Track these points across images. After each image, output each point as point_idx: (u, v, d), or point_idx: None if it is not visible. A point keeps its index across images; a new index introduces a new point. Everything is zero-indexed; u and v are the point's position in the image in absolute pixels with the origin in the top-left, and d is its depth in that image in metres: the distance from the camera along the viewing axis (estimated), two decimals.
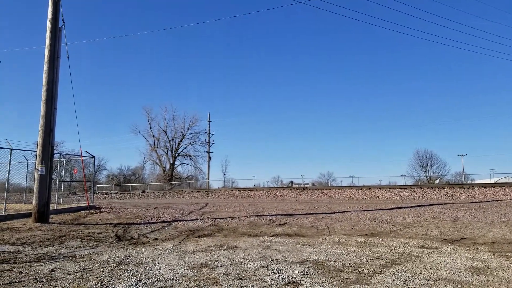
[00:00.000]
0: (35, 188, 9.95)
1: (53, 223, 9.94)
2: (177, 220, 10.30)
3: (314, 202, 17.27)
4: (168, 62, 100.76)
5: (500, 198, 16.79)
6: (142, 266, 4.61)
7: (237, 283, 3.73)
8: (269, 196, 24.34)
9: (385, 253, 5.26)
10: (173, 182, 54.03)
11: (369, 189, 23.49)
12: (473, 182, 41.62)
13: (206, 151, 56.23)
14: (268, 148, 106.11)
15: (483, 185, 22.48)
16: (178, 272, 4.25)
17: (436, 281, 3.75)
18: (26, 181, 17.06)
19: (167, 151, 60.61)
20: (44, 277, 4.11)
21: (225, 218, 10.61)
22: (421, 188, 22.98)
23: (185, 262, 4.79)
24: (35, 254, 5.55)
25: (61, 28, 10.69)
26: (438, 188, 21.74)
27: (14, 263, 4.93)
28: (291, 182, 53.79)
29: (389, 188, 23.48)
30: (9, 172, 11.93)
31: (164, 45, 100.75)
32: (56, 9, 10.54)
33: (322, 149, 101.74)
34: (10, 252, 5.79)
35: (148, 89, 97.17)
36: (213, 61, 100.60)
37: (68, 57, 10.90)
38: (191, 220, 10.23)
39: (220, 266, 4.51)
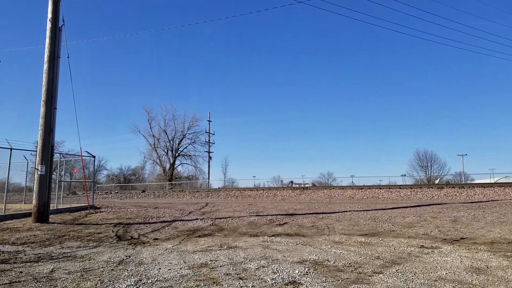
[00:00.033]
0: (35, 188, 9.95)
1: (53, 223, 9.94)
2: (177, 220, 10.30)
3: (314, 202, 17.27)
4: (168, 62, 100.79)
5: (499, 198, 16.80)
6: (142, 266, 4.61)
7: (237, 283, 3.73)
8: (269, 196, 24.34)
9: (385, 253, 5.26)
10: (173, 182, 54.05)
11: (369, 189, 23.50)
12: (473, 182, 41.64)
13: (206, 151, 56.27)
14: (268, 148, 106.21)
15: (483, 185, 22.50)
16: (178, 272, 4.25)
17: (436, 280, 3.76)
18: (26, 181, 17.08)
19: (167, 151, 60.68)
20: (44, 277, 4.11)
21: (225, 218, 10.61)
22: (421, 188, 22.99)
23: (185, 262, 4.79)
24: (35, 254, 5.55)
25: (61, 27, 10.69)
26: (438, 188, 21.75)
27: (14, 263, 4.93)
28: (291, 182, 53.83)
29: (389, 188, 23.49)
30: (9, 172, 11.93)
31: (164, 44, 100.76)
32: (56, 9, 10.54)
33: (322, 149, 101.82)
34: (10, 252, 5.79)
35: (148, 89, 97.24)
36: (213, 61, 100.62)
37: (68, 57, 10.91)
38: (191, 220, 10.23)
39: (220, 266, 4.52)
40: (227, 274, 4.11)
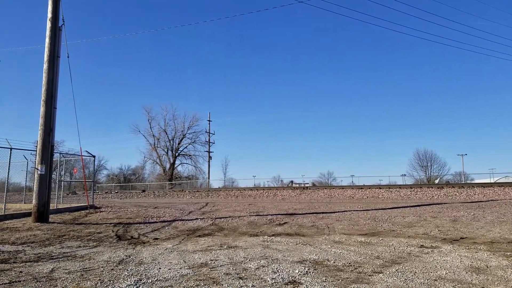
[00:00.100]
0: (35, 188, 9.94)
1: (53, 222, 9.94)
2: (177, 220, 10.31)
3: (314, 202, 17.28)
4: (168, 62, 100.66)
5: (499, 197, 16.80)
6: (142, 265, 4.61)
7: (237, 282, 3.73)
8: (269, 196, 24.34)
9: (385, 252, 5.26)
10: (173, 182, 54.06)
11: (369, 188, 23.51)
12: (472, 181, 41.65)
13: (206, 151, 56.23)
14: (268, 148, 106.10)
15: (483, 185, 22.50)
16: (178, 271, 4.25)
17: (435, 280, 3.76)
18: (26, 180, 17.07)
19: (167, 150, 60.68)
20: (44, 276, 4.11)
21: (225, 217, 10.61)
22: (421, 187, 23.00)
23: (185, 262, 4.79)
24: (35, 254, 5.55)
25: (61, 27, 10.68)
26: (438, 188, 21.75)
27: (14, 262, 4.93)
28: (291, 181, 53.84)
29: (389, 188, 23.50)
30: (8, 172, 11.94)
31: (164, 44, 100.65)
32: (56, 8, 10.53)
33: (322, 149, 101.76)
34: (10, 251, 5.80)
35: (148, 88, 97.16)
36: (213, 60, 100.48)
37: (68, 57, 10.91)
38: (191, 220, 10.23)
39: (220, 266, 4.52)
40: (227, 273, 4.12)
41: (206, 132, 56.75)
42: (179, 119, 61.02)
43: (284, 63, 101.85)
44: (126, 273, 4.19)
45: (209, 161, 54.64)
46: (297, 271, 4.19)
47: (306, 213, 11.36)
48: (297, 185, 43.18)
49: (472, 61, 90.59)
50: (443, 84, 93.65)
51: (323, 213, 11.35)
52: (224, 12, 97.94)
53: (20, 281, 3.93)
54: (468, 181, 44.62)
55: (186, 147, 60.75)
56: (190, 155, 60.36)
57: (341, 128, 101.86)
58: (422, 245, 5.78)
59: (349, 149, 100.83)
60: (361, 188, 24.02)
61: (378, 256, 5.01)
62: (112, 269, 4.41)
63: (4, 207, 11.38)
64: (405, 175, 53.05)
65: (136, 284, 3.73)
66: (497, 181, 36.72)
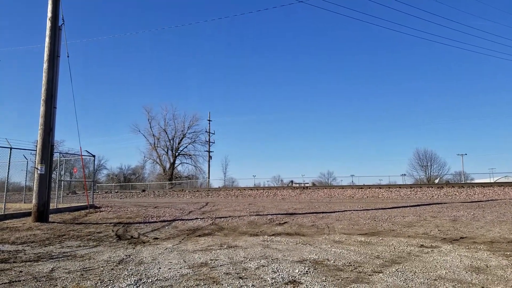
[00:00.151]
0: (35, 187, 9.94)
1: (53, 222, 9.94)
2: (177, 219, 10.31)
3: (314, 202, 17.28)
4: (168, 61, 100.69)
5: (499, 197, 16.80)
6: (142, 265, 4.61)
7: (237, 282, 3.74)
8: (269, 196, 24.34)
9: (385, 252, 5.26)
10: (173, 181, 54.06)
11: (369, 188, 23.51)
12: (472, 181, 41.67)
13: (206, 151, 56.22)
14: (268, 147, 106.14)
15: (483, 185, 22.51)
16: (178, 271, 4.25)
17: (435, 280, 3.76)
18: (25, 180, 17.05)
19: (167, 150, 60.71)
20: (44, 276, 4.11)
21: (226, 217, 10.61)
22: (420, 187, 23.00)
23: (185, 261, 4.79)
24: (34, 254, 5.55)
25: (60, 26, 10.68)
26: (438, 188, 21.75)
27: (14, 262, 4.93)
28: (292, 181, 53.89)
29: (389, 188, 23.50)
30: (8, 171, 11.94)
31: (164, 44, 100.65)
32: (56, 8, 10.52)
33: (322, 149, 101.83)
34: (10, 251, 5.80)
35: (148, 88, 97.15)
36: (213, 60, 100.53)
37: (68, 56, 10.90)
38: (191, 219, 10.23)
39: (220, 265, 4.52)
40: (227, 273, 4.12)
41: (206, 131, 56.79)
42: (179, 118, 61.16)
43: (284, 63, 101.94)
44: (126, 273, 4.19)
45: (209, 161, 54.67)
46: (297, 270, 4.20)
47: (306, 213, 11.36)
48: (297, 185, 43.19)
49: (472, 61, 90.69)
50: (443, 84, 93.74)
51: (323, 212, 11.35)
52: (224, 12, 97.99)
53: (20, 280, 3.93)
54: (468, 181, 44.64)
55: (186, 147, 60.85)
56: (190, 155, 60.45)
57: (341, 128, 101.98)
58: (422, 245, 5.79)
59: (349, 149, 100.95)
60: (361, 188, 24.02)
61: (378, 255, 5.01)
62: (112, 269, 4.41)
63: (4, 206, 11.38)
64: (405, 175, 53.20)
65: (136, 284, 3.73)
66: (497, 181, 36.74)
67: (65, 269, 4.45)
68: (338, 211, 11.59)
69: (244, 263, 4.65)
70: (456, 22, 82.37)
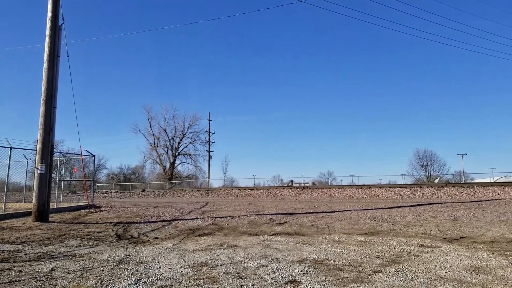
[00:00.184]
0: (35, 187, 9.94)
1: (53, 222, 9.94)
2: (177, 219, 10.31)
3: (314, 201, 17.28)
4: (168, 61, 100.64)
5: (499, 197, 16.80)
6: (142, 265, 4.61)
7: (237, 282, 3.74)
8: (269, 195, 24.35)
9: (384, 252, 5.26)
10: (173, 181, 54.05)
11: (369, 188, 23.51)
12: (472, 181, 41.66)
13: (206, 150, 56.23)
14: (268, 147, 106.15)
15: (483, 184, 22.51)
16: (178, 271, 4.26)
17: (435, 279, 3.76)
18: (25, 180, 17.05)
19: (167, 150, 60.70)
20: (44, 276, 4.11)
21: (225, 217, 10.61)
22: (420, 187, 23.00)
23: (185, 261, 4.79)
24: (35, 253, 5.55)
25: (60, 26, 10.67)
26: (438, 187, 21.75)
27: (14, 262, 4.93)
28: (291, 181, 53.88)
29: (389, 187, 23.50)
30: (8, 171, 11.94)
31: (164, 44, 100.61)
32: (56, 7, 10.52)
33: (322, 148, 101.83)
34: (10, 251, 5.80)
35: (148, 88, 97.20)
36: (213, 60, 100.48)
37: (68, 56, 10.90)
38: (191, 219, 10.24)
39: (220, 265, 4.52)
40: (227, 273, 4.12)
41: (206, 131, 56.80)
42: (179, 118, 61.12)
43: (284, 63, 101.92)
44: (126, 273, 4.19)
45: (209, 161, 54.67)
46: (297, 270, 4.20)
47: (306, 213, 11.36)
48: (297, 185, 43.20)
49: (472, 61, 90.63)
50: (443, 84, 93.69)
51: (323, 212, 11.36)
52: (224, 11, 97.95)
53: (20, 280, 3.93)
54: (468, 181, 44.64)
55: (186, 147, 60.84)
56: (190, 155, 60.45)
57: (341, 128, 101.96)
58: (422, 245, 5.79)
59: (348, 148, 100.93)
60: (361, 188, 24.02)
61: (378, 255, 5.01)
62: (112, 269, 4.41)
63: (4, 206, 11.39)
64: (405, 174, 53.13)
65: (136, 284, 3.73)
66: (497, 181, 36.74)
67: (65, 268, 4.46)
68: (338, 211, 11.59)
69: (244, 262, 4.65)
70: (456, 22, 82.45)
